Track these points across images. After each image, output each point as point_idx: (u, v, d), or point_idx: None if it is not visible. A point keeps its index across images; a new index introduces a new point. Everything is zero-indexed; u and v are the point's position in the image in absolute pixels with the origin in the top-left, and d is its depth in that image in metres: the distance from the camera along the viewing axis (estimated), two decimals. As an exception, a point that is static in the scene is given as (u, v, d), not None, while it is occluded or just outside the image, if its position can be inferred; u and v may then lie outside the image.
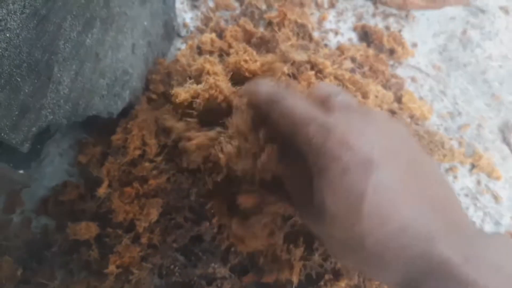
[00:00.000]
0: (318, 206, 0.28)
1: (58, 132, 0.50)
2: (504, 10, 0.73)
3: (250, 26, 0.58)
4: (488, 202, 0.55)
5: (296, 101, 0.31)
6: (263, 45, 0.57)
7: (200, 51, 0.57)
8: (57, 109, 0.34)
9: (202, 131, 0.42)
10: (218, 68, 0.49)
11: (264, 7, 0.64)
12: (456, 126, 0.60)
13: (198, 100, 0.43)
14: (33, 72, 0.30)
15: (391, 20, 0.67)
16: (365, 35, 0.64)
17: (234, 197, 0.35)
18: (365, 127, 0.29)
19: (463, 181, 0.56)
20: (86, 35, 0.36)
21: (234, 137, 0.38)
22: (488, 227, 0.53)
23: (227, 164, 0.37)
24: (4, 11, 0.26)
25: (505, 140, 0.60)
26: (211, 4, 0.64)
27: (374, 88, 0.54)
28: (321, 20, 0.65)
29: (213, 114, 0.43)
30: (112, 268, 0.42)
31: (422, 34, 0.67)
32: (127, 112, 0.47)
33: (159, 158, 0.46)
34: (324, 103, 0.32)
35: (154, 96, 0.50)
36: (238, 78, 0.48)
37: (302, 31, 0.60)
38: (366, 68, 0.57)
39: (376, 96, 0.53)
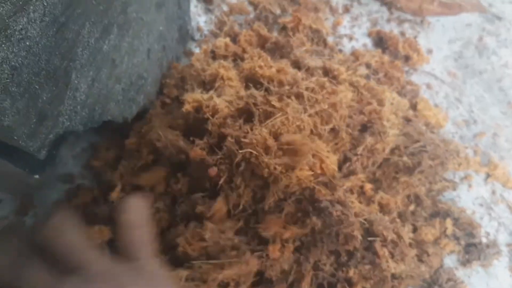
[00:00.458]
0: None
1: (71, 135, 0.50)
2: (522, 16, 0.72)
3: (264, 31, 0.58)
4: (503, 212, 0.54)
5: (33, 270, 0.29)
6: (277, 50, 0.57)
7: (214, 56, 0.57)
8: (74, 115, 0.34)
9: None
10: (232, 73, 0.49)
11: (278, 11, 0.64)
12: (471, 134, 0.59)
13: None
14: (51, 80, 0.30)
15: (406, 26, 0.67)
16: (380, 41, 0.63)
17: None
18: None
19: (477, 190, 0.55)
20: (103, 41, 0.35)
21: None
22: (502, 237, 0.53)
23: None
24: (24, 20, 0.26)
25: (521, 149, 0.59)
26: (225, 8, 0.64)
27: (389, 95, 0.53)
28: (335, 25, 0.65)
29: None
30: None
31: (437, 40, 0.67)
32: (141, 116, 0.47)
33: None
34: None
35: (167, 101, 0.50)
36: (252, 83, 0.48)
37: (317, 36, 0.60)
38: (381, 75, 0.57)
39: (392, 103, 0.53)
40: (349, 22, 0.66)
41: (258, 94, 0.43)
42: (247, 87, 0.48)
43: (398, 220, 0.48)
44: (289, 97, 0.45)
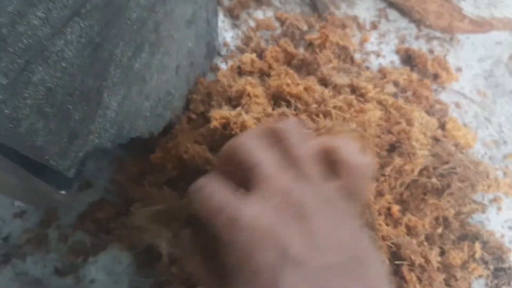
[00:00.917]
0: None
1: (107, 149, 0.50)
2: (554, 35, 0.70)
3: (290, 47, 0.58)
4: (534, 238, 0.52)
5: (215, 187, 0.28)
6: (304, 67, 0.56)
7: (240, 71, 0.57)
8: (103, 133, 0.34)
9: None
10: (259, 90, 0.49)
11: (305, 28, 0.63)
12: (501, 155, 0.58)
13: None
14: (84, 99, 0.30)
15: (434, 43, 0.66)
16: (409, 58, 0.62)
17: None
18: (285, 215, 0.25)
19: (507, 213, 0.53)
20: (135, 60, 0.36)
21: None
22: (534, 265, 0.51)
23: None
24: (62, 42, 0.26)
25: (553, 173, 0.58)
26: (252, 24, 0.64)
27: (418, 114, 0.52)
28: (362, 42, 0.64)
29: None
30: None
31: (467, 58, 0.65)
32: (166, 131, 0.48)
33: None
34: (246, 176, 0.27)
35: (193, 116, 0.50)
36: (279, 101, 0.48)
37: (344, 53, 0.59)
38: (409, 93, 0.56)
39: (421, 123, 0.52)
40: (376, 38, 0.65)
41: (290, 112, 0.43)
42: (274, 105, 0.48)
43: (425, 243, 0.47)
44: (317, 115, 0.45)
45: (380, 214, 0.45)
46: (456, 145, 0.54)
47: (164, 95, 0.44)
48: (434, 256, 0.46)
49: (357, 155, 0.29)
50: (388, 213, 0.47)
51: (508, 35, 0.70)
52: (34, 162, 0.30)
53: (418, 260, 0.44)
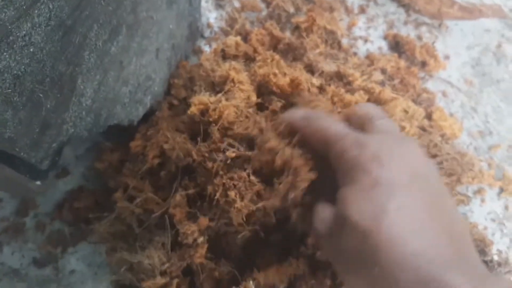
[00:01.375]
0: (340, 214, 0.29)
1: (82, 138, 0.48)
2: (543, 23, 0.69)
3: (276, 31, 0.56)
4: (516, 229, 0.53)
5: (331, 121, 0.33)
6: (290, 52, 0.55)
7: (224, 55, 0.55)
8: (78, 121, 0.32)
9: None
10: (243, 76, 0.47)
11: (292, 10, 0.61)
12: (486, 146, 0.57)
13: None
14: (56, 87, 0.28)
15: (423, 29, 0.65)
16: (397, 45, 0.61)
17: None
18: (398, 151, 0.30)
19: (490, 205, 0.54)
20: (111, 43, 0.34)
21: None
22: (515, 255, 0.51)
23: None
24: (28, 25, 0.24)
25: (536, 163, 0.58)
26: (237, 4, 0.62)
27: (405, 103, 0.51)
28: (350, 26, 0.62)
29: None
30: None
31: (455, 45, 0.65)
32: (147, 117, 0.46)
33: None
34: (364, 125, 0.33)
35: (175, 102, 0.48)
36: (264, 91, 0.46)
37: (331, 38, 0.58)
38: (396, 81, 0.55)
39: (407, 112, 0.51)
40: (364, 23, 0.64)
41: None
42: (259, 93, 0.46)
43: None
44: None
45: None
46: (442, 136, 0.53)
47: (144, 80, 0.42)
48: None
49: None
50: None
51: (497, 22, 0.69)
52: (5, 152, 0.29)
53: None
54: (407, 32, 0.64)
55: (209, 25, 0.60)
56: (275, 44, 0.56)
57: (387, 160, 0.29)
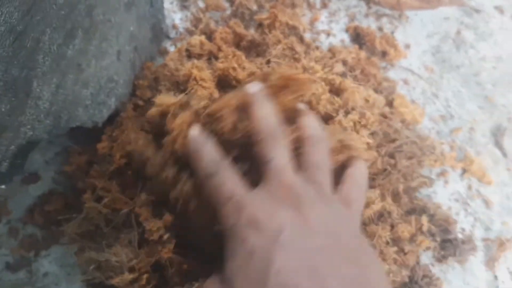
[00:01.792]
0: None
1: (43, 140, 0.49)
2: (499, 9, 0.72)
3: (240, 28, 0.57)
4: (479, 208, 0.55)
5: (226, 175, 0.31)
6: (253, 48, 0.56)
7: (189, 54, 0.56)
8: (37, 124, 0.33)
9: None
10: (206, 73, 0.48)
11: (255, 7, 0.63)
12: (448, 130, 0.60)
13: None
14: (10, 90, 0.29)
15: (384, 20, 0.66)
16: (358, 36, 0.63)
17: None
18: (284, 204, 0.28)
19: (453, 186, 0.56)
20: (67, 47, 0.35)
21: None
22: (478, 233, 0.53)
23: None
24: (-24, 31, 0.25)
25: (497, 144, 0.60)
26: (201, 5, 0.63)
27: (365, 92, 0.53)
28: (313, 21, 0.64)
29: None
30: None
31: (415, 35, 0.67)
32: (113, 119, 0.47)
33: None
34: (261, 166, 0.31)
35: (140, 102, 0.49)
36: (225, 85, 0.48)
37: (293, 33, 0.59)
38: (357, 72, 0.57)
39: (368, 100, 0.53)
40: (326, 17, 0.65)
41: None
42: (220, 89, 0.47)
43: (375, 219, 0.48)
44: None
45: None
46: (403, 122, 0.55)
47: (106, 82, 0.43)
48: (384, 232, 0.47)
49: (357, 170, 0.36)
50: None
51: (456, 10, 0.71)
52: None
53: (368, 238, 0.46)
54: (369, 24, 0.65)
55: (174, 26, 0.61)
56: (238, 42, 0.57)
57: (264, 221, 0.27)
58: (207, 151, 0.33)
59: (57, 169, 0.49)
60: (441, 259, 0.50)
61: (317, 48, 0.60)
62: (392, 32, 0.64)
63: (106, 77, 0.42)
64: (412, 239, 0.49)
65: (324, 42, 0.63)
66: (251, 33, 0.58)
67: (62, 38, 0.33)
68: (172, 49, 0.59)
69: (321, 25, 0.64)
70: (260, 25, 0.60)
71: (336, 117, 0.49)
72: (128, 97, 0.49)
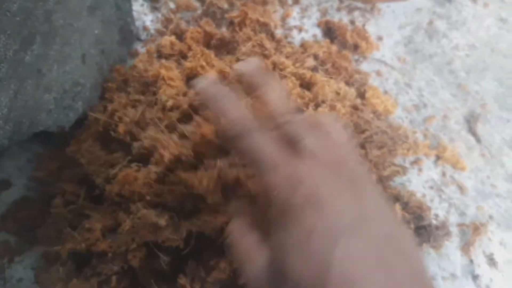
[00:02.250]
0: (278, 268, 0.25)
1: (14, 146, 0.49)
2: (471, -2, 0.72)
3: (210, 27, 0.58)
4: (453, 193, 0.55)
5: (263, 139, 0.29)
6: (223, 46, 0.56)
7: (160, 55, 0.56)
8: (-4, 130, 0.33)
9: None
10: (174, 73, 0.48)
11: (226, 6, 0.63)
12: (421, 118, 0.60)
13: None
14: (-38, 97, 0.29)
15: (356, 14, 0.67)
16: (329, 30, 0.63)
17: None
18: (338, 185, 0.26)
19: (428, 173, 0.56)
20: (25, 52, 0.35)
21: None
22: (453, 218, 0.54)
23: None
24: None
25: (470, 130, 0.60)
26: (172, 5, 0.63)
27: (336, 85, 0.53)
28: (284, 17, 0.64)
29: None
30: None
31: (387, 26, 0.67)
32: (82, 122, 0.47)
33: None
34: (291, 144, 0.29)
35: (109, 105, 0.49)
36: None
37: (264, 30, 0.59)
38: (328, 65, 0.57)
39: (338, 93, 0.53)
40: (298, 13, 0.66)
41: None
42: (189, 87, 0.48)
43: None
44: None
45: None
46: (375, 113, 0.55)
47: (71, 86, 0.43)
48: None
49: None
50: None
51: (428, 0, 0.72)
52: None
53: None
54: (341, 18, 0.66)
55: (145, 28, 0.61)
56: (209, 41, 0.57)
57: (324, 202, 0.25)
58: (233, 104, 0.30)
59: (29, 175, 0.49)
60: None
61: (289, 43, 0.60)
62: (364, 25, 0.65)
63: (71, 81, 0.43)
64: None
65: (296, 37, 0.63)
66: (222, 31, 0.58)
67: (18, 44, 0.34)
68: (143, 51, 0.59)
69: (293, 21, 0.65)
70: (231, 23, 0.61)
71: (306, 111, 0.49)
72: (97, 101, 0.49)
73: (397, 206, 0.50)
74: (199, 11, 0.63)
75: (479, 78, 0.65)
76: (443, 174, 0.56)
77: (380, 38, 0.65)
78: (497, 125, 0.61)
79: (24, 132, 0.37)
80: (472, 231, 0.52)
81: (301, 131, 0.29)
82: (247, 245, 0.28)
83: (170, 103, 0.45)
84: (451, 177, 0.56)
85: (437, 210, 0.53)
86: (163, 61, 0.50)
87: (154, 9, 0.63)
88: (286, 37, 0.62)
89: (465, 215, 0.54)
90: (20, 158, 0.50)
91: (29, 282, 0.45)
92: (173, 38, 0.56)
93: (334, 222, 0.25)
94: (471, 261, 0.51)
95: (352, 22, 0.66)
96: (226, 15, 0.61)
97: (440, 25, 0.69)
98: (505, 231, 0.52)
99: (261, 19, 0.60)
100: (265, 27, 0.60)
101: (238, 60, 0.53)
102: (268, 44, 0.55)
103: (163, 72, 0.48)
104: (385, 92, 0.60)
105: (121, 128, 0.43)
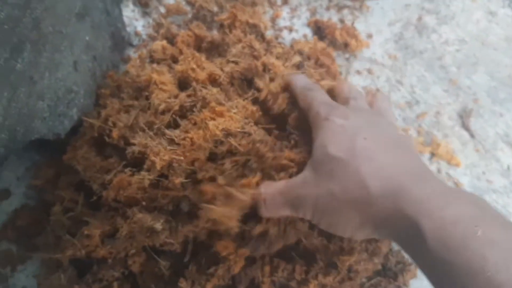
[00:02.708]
0: (321, 150, 0.37)
1: (13, 156, 0.49)
2: (459, -8, 0.73)
3: (200, 30, 0.58)
4: (449, 188, 0.56)
5: (321, 93, 0.43)
6: (214, 49, 0.57)
7: (152, 60, 0.56)
8: (-10, 139, 0.33)
9: None
10: (166, 77, 0.49)
11: (215, 9, 0.63)
12: (414, 115, 0.60)
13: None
14: (-46, 107, 0.29)
15: (345, 12, 0.67)
16: (319, 30, 0.63)
17: None
18: (362, 119, 0.40)
19: (423, 169, 0.56)
20: (15, 60, 0.35)
21: None
22: (450, 213, 0.54)
23: None
24: None
25: (464, 125, 0.61)
26: (162, 10, 0.64)
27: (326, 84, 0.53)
28: (274, 18, 0.65)
29: None
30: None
31: (377, 24, 0.67)
32: (77, 129, 0.47)
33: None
34: (344, 100, 0.44)
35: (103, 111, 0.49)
36: (186, 86, 0.48)
37: (254, 31, 0.60)
38: (312, 61, 0.57)
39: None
40: (288, 13, 0.66)
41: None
42: (180, 89, 0.48)
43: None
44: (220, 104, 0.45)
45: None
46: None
47: (64, 93, 0.43)
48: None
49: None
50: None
51: (416, -4, 0.72)
52: None
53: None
54: (330, 16, 0.66)
55: (137, 33, 0.61)
56: (199, 44, 0.58)
57: (351, 115, 0.39)
58: (305, 79, 0.46)
59: (28, 184, 0.50)
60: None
61: (279, 44, 0.61)
62: (353, 23, 0.65)
63: (64, 88, 0.43)
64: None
65: (287, 38, 0.64)
66: (212, 34, 0.59)
67: (8, 52, 0.34)
68: (136, 56, 0.59)
69: (283, 22, 0.65)
70: (221, 25, 0.61)
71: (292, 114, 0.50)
72: (92, 107, 0.49)
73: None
74: (190, 15, 0.64)
75: (471, 72, 0.65)
76: (439, 170, 0.57)
77: (369, 36, 0.66)
78: (490, 119, 0.62)
79: (20, 140, 0.37)
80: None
81: (354, 94, 0.45)
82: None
83: (162, 106, 0.45)
84: (447, 174, 0.57)
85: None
86: (155, 65, 0.51)
87: (145, 14, 0.63)
88: (276, 37, 0.63)
89: (460, 208, 0.54)
90: (19, 167, 0.50)
91: (30, 290, 0.45)
92: (164, 42, 0.57)
93: (358, 123, 0.38)
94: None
95: (341, 20, 0.66)
96: (216, 18, 0.61)
97: (429, 20, 0.70)
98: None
99: (251, 21, 0.60)
100: (255, 29, 0.60)
101: (228, 62, 0.53)
102: (258, 45, 0.55)
103: (155, 76, 0.48)
104: (377, 90, 0.61)
105: (115, 133, 0.44)
